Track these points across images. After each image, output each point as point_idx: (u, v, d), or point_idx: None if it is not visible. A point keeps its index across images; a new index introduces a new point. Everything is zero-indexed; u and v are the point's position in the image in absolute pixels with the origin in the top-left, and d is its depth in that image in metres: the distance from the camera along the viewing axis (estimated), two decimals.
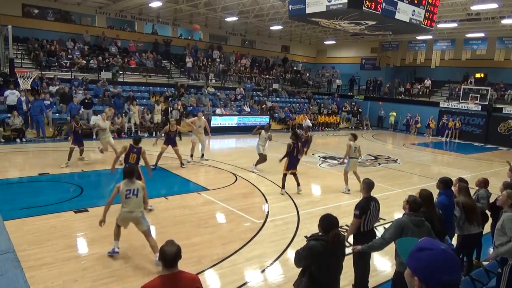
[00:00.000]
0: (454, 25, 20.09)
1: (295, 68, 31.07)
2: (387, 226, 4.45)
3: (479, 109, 22.82)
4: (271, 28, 25.97)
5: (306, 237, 5.76)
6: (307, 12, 9.89)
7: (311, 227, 6.51)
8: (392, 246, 3.82)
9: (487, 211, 5.80)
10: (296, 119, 23.20)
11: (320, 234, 3.51)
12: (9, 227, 6.17)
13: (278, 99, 25.70)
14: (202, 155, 12.56)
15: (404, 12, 9.84)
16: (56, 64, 18.92)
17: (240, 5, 20.61)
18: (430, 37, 24.80)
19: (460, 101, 23.68)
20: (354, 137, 9.92)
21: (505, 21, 18.78)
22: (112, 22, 23.90)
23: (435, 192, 5.05)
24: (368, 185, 4.76)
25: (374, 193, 4.85)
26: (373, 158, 14.95)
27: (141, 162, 7.96)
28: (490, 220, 5.74)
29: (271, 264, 5.64)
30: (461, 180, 5.38)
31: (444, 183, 5.09)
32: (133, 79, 20.88)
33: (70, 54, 19.82)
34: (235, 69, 26.12)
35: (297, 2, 10.09)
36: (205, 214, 7.64)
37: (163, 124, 15.60)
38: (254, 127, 18.67)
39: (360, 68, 31.00)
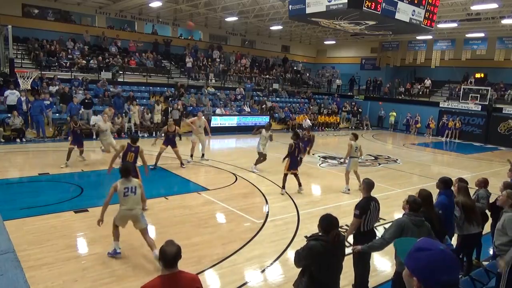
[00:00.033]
0: (454, 25, 20.10)
1: (295, 68, 31.07)
2: (387, 226, 4.45)
3: (479, 109, 22.83)
4: (271, 28, 25.97)
5: (306, 237, 5.76)
6: (307, 12, 9.89)
7: (311, 227, 6.51)
8: (392, 246, 3.81)
9: (487, 211, 5.81)
10: (296, 119, 23.20)
11: (320, 234, 3.51)
12: (9, 227, 6.18)
13: (278, 99, 25.71)
14: (203, 155, 12.56)
15: (404, 12, 9.84)
16: (56, 64, 18.92)
17: (240, 5, 20.60)
18: (430, 37, 24.80)
19: (460, 101, 23.69)
20: (355, 137, 9.95)
21: (505, 21, 18.78)
22: (112, 22, 23.90)
23: (435, 192, 5.05)
24: (368, 185, 4.77)
25: (374, 193, 4.85)
26: (373, 158, 14.95)
27: (139, 162, 7.97)
28: (490, 220, 5.74)
29: (271, 264, 5.64)
30: (460, 180, 5.38)
31: (444, 183, 5.09)
32: (133, 79, 20.88)
33: (70, 54, 19.83)
34: (235, 69, 26.12)
35: (297, 2, 10.09)
36: (205, 214, 7.64)
37: (163, 124, 15.59)
38: (254, 127, 18.72)
39: (360, 68, 31.00)
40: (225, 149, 16.83)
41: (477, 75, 25.28)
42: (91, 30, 22.00)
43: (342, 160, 13.78)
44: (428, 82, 26.93)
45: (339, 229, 3.62)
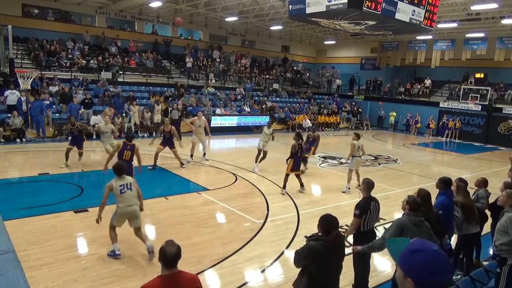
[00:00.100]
0: (454, 25, 20.10)
1: (295, 68, 31.07)
2: (387, 226, 4.45)
3: (479, 109, 22.83)
4: (271, 28, 25.97)
5: (306, 237, 5.76)
6: (307, 12, 9.88)
7: (311, 227, 6.51)
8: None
9: (487, 211, 5.81)
10: (296, 119, 23.21)
11: (320, 234, 3.51)
12: (9, 227, 6.18)
13: (278, 99, 25.71)
14: (204, 154, 12.53)
15: (404, 12, 9.83)
16: (56, 64, 18.92)
17: (240, 5, 20.61)
18: (430, 37, 24.80)
19: (460, 101, 23.69)
20: (357, 136, 10.01)
21: (505, 21, 18.78)
22: (112, 22, 23.91)
23: (435, 192, 5.05)
24: (368, 185, 4.76)
25: (374, 193, 4.85)
26: (373, 158, 14.95)
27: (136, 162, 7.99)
28: (490, 220, 5.75)
29: (271, 264, 5.64)
30: (460, 180, 5.38)
31: (444, 183, 5.09)
32: (133, 79, 20.89)
33: (70, 54, 19.83)
34: (235, 69, 26.12)
35: (297, 2, 10.08)
36: (205, 214, 7.64)
37: (163, 124, 15.59)
38: (254, 127, 18.72)
39: (360, 68, 31.00)
40: (225, 149, 16.84)
41: (477, 75, 25.28)
42: (91, 30, 22.00)
43: (342, 160, 13.90)
44: (428, 82, 26.93)
45: (339, 229, 3.62)
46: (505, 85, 23.85)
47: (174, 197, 8.60)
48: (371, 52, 30.46)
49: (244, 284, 5.08)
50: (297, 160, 9.29)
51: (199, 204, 8.23)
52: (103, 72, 19.42)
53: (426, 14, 10.44)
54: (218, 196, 8.71)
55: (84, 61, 19.70)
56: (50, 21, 21.08)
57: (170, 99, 20.03)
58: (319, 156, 14.24)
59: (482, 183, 5.88)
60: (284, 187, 9.24)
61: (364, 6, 8.79)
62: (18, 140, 14.05)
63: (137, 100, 18.39)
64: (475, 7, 16.52)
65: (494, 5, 15.83)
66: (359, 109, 27.16)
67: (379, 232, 6.05)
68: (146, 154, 11.51)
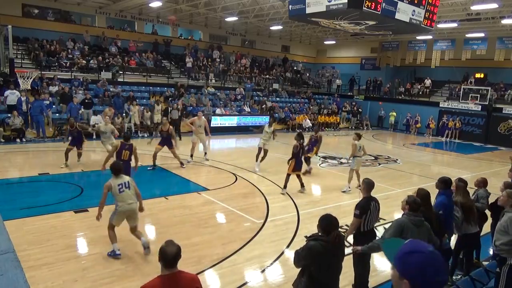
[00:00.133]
0: (454, 25, 20.10)
1: (295, 68, 31.07)
2: (387, 226, 4.45)
3: (479, 109, 22.83)
4: (271, 28, 25.97)
5: (306, 237, 5.76)
6: (307, 12, 9.88)
7: (311, 227, 6.51)
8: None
9: (487, 211, 5.81)
10: (296, 119, 23.21)
11: (319, 234, 3.51)
12: (9, 227, 6.16)
13: (278, 99, 25.71)
14: (205, 153, 12.51)
15: (404, 12, 9.83)
16: (56, 64, 18.92)
17: (240, 5, 20.61)
18: (430, 37, 24.80)
19: (460, 101, 23.69)
20: (358, 136, 10.03)
21: (505, 21, 18.78)
22: (112, 22, 23.91)
23: (434, 192, 5.05)
24: (368, 185, 4.76)
25: (374, 193, 4.85)
26: (373, 158, 14.95)
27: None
28: (490, 220, 5.75)
29: (271, 264, 5.64)
30: (460, 180, 5.39)
31: (444, 183, 5.09)
32: (133, 79, 20.89)
33: (70, 54, 19.83)
34: (235, 69, 26.13)
35: (297, 2, 10.08)
36: (205, 214, 7.64)
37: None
38: (254, 127, 18.70)
39: (360, 68, 31.00)
40: (225, 149, 16.84)
41: (477, 75, 25.29)
42: (91, 30, 22.00)
43: (342, 160, 13.91)
44: (428, 82, 26.93)
45: (339, 229, 3.62)
46: (505, 85, 23.85)
47: (174, 197, 8.60)
48: (371, 52, 30.46)
49: (244, 284, 5.08)
50: (299, 161, 9.29)
51: (199, 204, 8.23)
52: (103, 72, 19.42)
53: (426, 14, 10.44)
54: (218, 196, 8.71)
55: (84, 61, 19.70)
56: (50, 21, 21.09)
57: (170, 99, 20.03)
58: (319, 156, 14.24)
59: (482, 183, 5.88)
60: (285, 187, 9.25)
61: (364, 6, 8.79)
62: (18, 140, 14.05)
63: (137, 100, 18.39)
64: (475, 7, 16.52)
65: (494, 5, 15.83)
66: (359, 109, 27.16)
67: (379, 232, 6.05)
68: (146, 154, 11.53)
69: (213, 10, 21.86)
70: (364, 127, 25.85)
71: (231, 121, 20.45)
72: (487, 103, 22.47)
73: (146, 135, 16.85)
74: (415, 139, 22.47)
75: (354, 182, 9.85)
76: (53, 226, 6.52)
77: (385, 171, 12.84)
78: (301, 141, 9.36)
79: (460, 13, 18.60)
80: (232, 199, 8.58)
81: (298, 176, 9.38)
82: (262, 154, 11.54)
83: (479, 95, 22.90)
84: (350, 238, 4.87)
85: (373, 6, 8.92)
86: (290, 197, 8.98)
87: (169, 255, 2.88)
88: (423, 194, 4.48)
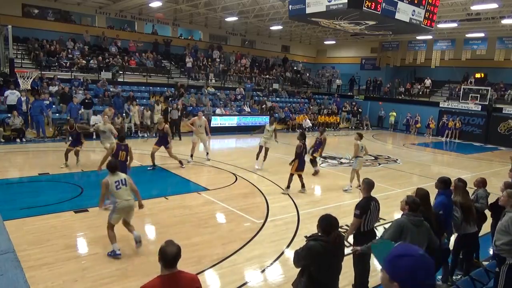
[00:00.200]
0: (454, 25, 20.10)
1: (295, 68, 31.07)
2: (387, 226, 4.45)
3: (479, 109, 22.83)
4: (271, 28, 25.97)
5: (306, 237, 5.76)
6: (307, 12, 9.88)
7: (311, 227, 6.51)
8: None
9: (487, 211, 5.81)
10: (296, 119, 23.21)
11: (319, 234, 3.51)
12: (9, 227, 6.17)
13: (278, 99, 25.71)
14: (207, 153, 12.49)
15: (404, 12, 9.83)
16: (56, 64, 18.92)
17: (240, 5, 20.61)
18: (430, 37, 24.80)
19: (460, 101, 23.69)
20: (360, 136, 10.06)
21: (505, 21, 18.78)
22: (112, 22, 23.90)
23: (433, 192, 5.06)
24: (368, 185, 4.76)
25: (374, 193, 4.85)
26: (373, 158, 14.95)
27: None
28: (490, 220, 5.75)
29: (271, 264, 5.65)
30: (459, 181, 5.39)
31: (444, 183, 5.09)
32: (133, 79, 20.89)
33: (70, 54, 19.83)
34: (235, 69, 26.13)
35: (297, 2, 10.08)
36: (205, 214, 7.64)
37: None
38: (254, 127, 18.68)
39: (360, 68, 31.00)
40: (225, 149, 16.83)
41: (477, 75, 25.28)
42: (91, 30, 22.00)
43: (342, 160, 13.91)
44: (428, 82, 26.93)
45: (339, 229, 3.62)
46: (505, 85, 23.85)
47: (174, 197, 8.60)
48: (371, 52, 30.46)
49: (244, 284, 5.08)
50: (302, 161, 9.29)
51: (199, 204, 8.23)
52: (103, 72, 19.42)
53: (426, 14, 10.44)
54: (218, 196, 8.71)
55: (84, 61, 19.70)
56: (50, 21, 21.08)
57: (170, 99, 20.03)
58: (319, 156, 14.24)
59: (481, 183, 5.89)
60: (288, 187, 9.25)
61: (364, 6, 8.78)
62: (18, 140, 14.05)
63: (137, 100, 18.39)
64: (475, 7, 16.52)
65: (494, 5, 15.83)
66: (359, 109, 27.16)
67: (379, 232, 6.04)
68: (145, 154, 11.53)
69: (213, 10, 21.87)
70: (364, 127, 25.85)
71: (231, 121, 20.45)
72: (487, 103, 22.47)
73: (146, 135, 16.85)
74: (415, 139, 22.48)
75: (354, 182, 9.86)
76: (53, 226, 6.52)
77: (385, 171, 12.84)
78: (304, 140, 9.38)
79: (460, 13, 18.60)
80: (232, 199, 8.58)
81: (300, 176, 9.38)
82: (263, 152, 11.54)
83: (479, 95, 22.90)
84: (350, 238, 4.87)
85: (373, 6, 8.92)
86: (290, 197, 8.98)
87: (169, 255, 2.87)
88: (422, 194, 4.48)
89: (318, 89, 30.63)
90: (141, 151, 12.90)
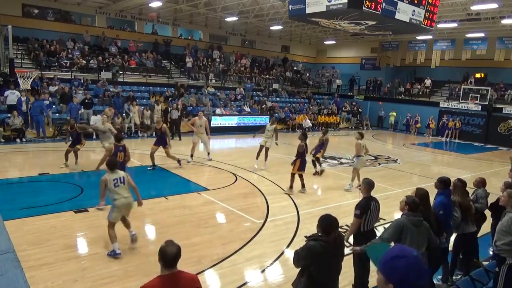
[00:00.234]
0: (454, 25, 20.10)
1: (295, 68, 31.07)
2: (387, 226, 4.45)
3: (479, 109, 22.83)
4: (271, 28, 25.97)
5: (306, 237, 5.76)
6: (307, 12, 9.88)
7: (311, 227, 6.51)
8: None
9: (487, 211, 5.81)
10: (296, 119, 23.22)
11: (319, 234, 3.51)
12: (9, 227, 6.16)
13: (278, 99, 25.71)
14: (208, 153, 12.48)
15: (404, 12, 9.83)
16: (56, 64, 18.92)
17: (240, 5, 20.61)
18: (430, 37, 24.80)
19: (460, 101, 23.69)
20: (361, 136, 10.07)
21: (505, 21, 18.79)
22: (112, 22, 23.91)
23: (433, 192, 5.05)
24: (368, 185, 4.76)
25: (374, 193, 4.85)
26: (373, 158, 14.95)
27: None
28: (490, 220, 5.75)
29: (271, 264, 5.65)
30: (459, 181, 5.40)
31: (443, 183, 5.09)
32: (133, 79, 20.89)
33: (70, 54, 19.83)
34: (235, 69, 26.13)
35: (297, 2, 10.08)
36: (205, 214, 7.64)
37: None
38: (254, 127, 18.68)
39: (360, 68, 31.01)
40: (225, 149, 16.83)
41: (477, 75, 25.28)
42: (91, 30, 22.00)
43: (342, 160, 13.91)
44: (428, 82, 26.93)
45: (339, 229, 3.62)
46: (505, 85, 23.85)
47: (174, 197, 8.60)
48: (371, 52, 30.46)
49: (244, 284, 5.08)
50: (304, 160, 9.30)
51: (199, 204, 8.23)
52: (103, 72, 19.42)
53: (426, 14, 10.44)
54: (218, 196, 8.71)
55: (84, 61, 19.70)
56: (50, 21, 21.09)
57: (170, 99, 20.03)
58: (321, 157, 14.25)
59: (481, 183, 5.88)
60: (291, 187, 9.25)
61: (364, 6, 8.78)
62: (18, 140, 14.05)
63: (137, 100, 18.39)
64: (475, 7, 16.52)
65: (494, 5, 15.83)
66: (359, 109, 27.16)
67: (379, 232, 6.04)
68: (145, 154, 11.53)
69: (213, 10, 21.87)
70: (364, 127, 25.84)
71: (231, 121, 20.45)
72: (487, 103, 22.47)
73: (146, 135, 16.85)
74: (415, 139, 22.48)
75: (355, 182, 9.86)
76: (53, 226, 6.52)
77: (385, 171, 12.84)
78: (305, 141, 9.39)
79: (460, 13, 18.61)
80: (232, 199, 8.58)
81: (301, 176, 9.38)
82: (263, 153, 11.54)
83: (479, 95, 22.90)
84: (350, 238, 4.87)
85: (373, 6, 8.92)
86: (290, 197, 8.98)
87: (169, 255, 2.87)
88: (421, 194, 4.49)
89: (318, 89, 30.63)
90: (141, 151, 12.92)
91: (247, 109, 22.66)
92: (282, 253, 6.00)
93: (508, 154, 16.42)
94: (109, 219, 5.58)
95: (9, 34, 13.49)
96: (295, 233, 6.83)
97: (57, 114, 16.25)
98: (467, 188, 5.46)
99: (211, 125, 16.77)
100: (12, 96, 15.01)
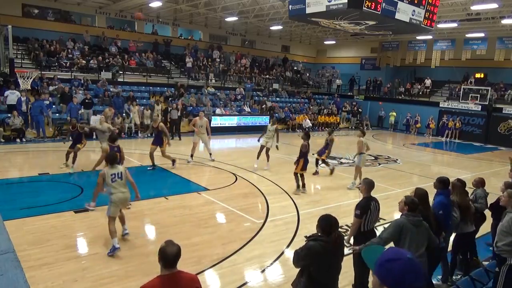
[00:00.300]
0: (454, 25, 20.10)
1: (295, 68, 31.07)
2: (387, 226, 4.45)
3: (479, 109, 22.83)
4: (271, 28, 25.97)
5: (306, 237, 5.76)
6: (307, 12, 9.88)
7: (311, 227, 6.50)
8: (391, 246, 3.82)
9: (487, 211, 5.81)
10: (296, 119, 23.22)
11: (319, 234, 3.51)
12: (9, 227, 6.17)
13: (278, 99, 25.71)
14: (210, 154, 12.46)
15: (404, 12, 9.83)
16: (56, 64, 18.92)
17: (240, 5, 20.61)
18: (430, 37, 24.80)
19: (460, 101, 23.69)
20: (363, 133, 10.12)
21: (505, 21, 18.78)
22: (112, 22, 23.91)
23: (432, 192, 5.05)
24: (368, 184, 4.76)
25: (374, 193, 4.84)
26: (373, 158, 14.94)
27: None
28: (490, 220, 5.75)
29: (271, 264, 5.65)
30: (458, 181, 5.40)
31: (442, 183, 5.10)
32: (133, 79, 20.89)
33: (70, 54, 19.83)
34: (235, 69, 26.13)
35: (297, 2, 10.08)
36: (205, 214, 7.64)
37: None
38: (254, 127, 18.66)
39: (360, 68, 31.00)
40: (225, 149, 16.82)
41: (477, 75, 25.29)
42: (91, 30, 22.00)
43: (342, 160, 13.91)
44: (428, 82, 26.93)
45: (339, 229, 3.62)
46: (505, 85, 23.85)
47: (174, 197, 8.60)
48: (371, 52, 30.46)
49: (244, 284, 5.08)
50: (307, 160, 9.30)
51: (199, 204, 8.23)
52: (103, 72, 19.42)
53: (426, 14, 10.44)
54: (218, 196, 8.71)
55: (84, 61, 19.70)
56: (50, 21, 21.08)
57: (170, 99, 20.03)
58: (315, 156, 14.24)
59: (480, 183, 5.89)
60: (298, 186, 9.27)
61: (364, 6, 8.78)
62: (18, 140, 14.05)
63: (137, 100, 18.40)
64: (475, 7, 16.52)
65: (494, 5, 15.83)
66: (359, 109, 27.16)
67: (379, 232, 6.04)
68: (145, 154, 11.52)
69: (213, 10, 21.86)
70: (364, 127, 25.82)
71: (231, 121, 20.45)
72: (487, 103, 22.47)
73: (146, 136, 16.84)
74: (415, 139, 22.47)
75: (357, 180, 9.86)
76: (53, 226, 6.52)
77: (385, 171, 12.84)
78: (308, 140, 9.40)
79: (460, 13, 18.60)
80: (232, 199, 8.58)
81: (302, 176, 9.38)
82: (264, 152, 11.54)
83: (479, 95, 22.90)
84: (350, 239, 4.86)
85: (373, 6, 8.92)
86: (290, 197, 8.98)
87: (169, 255, 2.87)
88: (420, 194, 4.49)
89: (318, 89, 30.63)
90: (141, 151, 12.91)
91: (247, 109, 22.66)
92: (282, 253, 6.00)
93: (508, 154, 16.41)
94: (108, 214, 5.67)
95: (9, 34, 13.49)
96: (295, 233, 6.83)
97: (57, 114, 16.25)
98: (467, 188, 5.47)
99: (211, 125, 16.76)
100: (12, 96, 15.01)
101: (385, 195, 9.31)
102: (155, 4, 20.03)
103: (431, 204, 4.85)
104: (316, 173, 11.33)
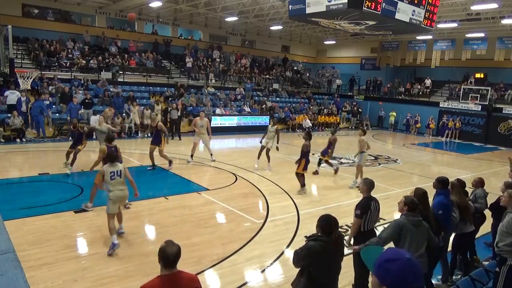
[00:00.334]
0: (454, 25, 20.10)
1: (295, 68, 31.07)
2: (387, 226, 4.45)
3: (479, 109, 22.83)
4: (271, 28, 25.97)
5: (306, 237, 5.76)
6: (307, 12, 9.88)
7: (311, 227, 6.50)
8: (391, 246, 3.82)
9: (487, 211, 5.81)
10: (296, 119, 23.21)
11: (319, 234, 3.51)
12: (9, 227, 6.17)
13: (278, 99, 25.71)
14: (211, 154, 12.45)
15: (404, 12, 9.83)
16: (56, 64, 18.92)
17: (240, 5, 20.61)
18: (430, 37, 24.80)
19: (460, 101, 23.69)
20: (364, 132, 10.15)
21: (505, 21, 18.79)
22: (112, 22, 23.90)
23: (432, 192, 5.05)
24: (368, 184, 4.76)
25: (374, 193, 4.84)
26: (373, 158, 14.94)
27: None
28: (490, 220, 5.75)
29: (271, 264, 5.65)
30: (457, 181, 5.40)
31: (442, 183, 5.10)
32: (133, 79, 20.89)
33: (70, 54, 19.83)
34: (235, 69, 26.13)
35: (297, 2, 10.08)
36: (205, 214, 7.64)
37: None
38: (254, 127, 18.65)
39: (360, 68, 31.00)
40: (225, 149, 16.81)
41: (477, 75, 25.29)
42: (91, 30, 22.00)
43: (342, 160, 13.91)
44: (428, 82, 26.93)
45: (339, 229, 3.62)
46: (505, 85, 23.85)
47: (174, 197, 8.60)
48: (371, 52, 30.46)
49: (244, 284, 5.08)
50: (308, 160, 9.30)
51: (199, 204, 8.23)
52: (103, 72, 19.42)
53: (426, 14, 10.44)
54: (218, 196, 8.71)
55: (84, 61, 19.70)
56: (50, 21, 21.08)
57: (170, 99, 20.03)
58: (319, 156, 14.23)
59: (479, 183, 5.89)
60: (302, 185, 9.24)
61: (364, 6, 8.79)
62: (18, 140, 14.05)
63: (137, 100, 18.40)
64: (475, 7, 16.52)
65: (494, 5, 15.83)
66: (359, 109, 27.16)
67: (379, 232, 6.05)
68: (145, 154, 11.52)
69: (213, 10, 21.87)
70: (364, 127, 25.82)
71: (231, 121, 20.45)
72: (487, 103, 22.47)
73: (147, 136, 16.84)
74: (415, 139, 22.47)
75: (358, 179, 9.85)
76: (53, 226, 6.52)
77: (385, 171, 12.84)
78: (310, 140, 9.40)
79: (460, 13, 18.60)
80: (232, 199, 8.58)
81: (303, 176, 9.38)
82: (264, 152, 11.53)
83: (479, 95, 22.90)
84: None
85: (373, 6, 8.92)
86: (290, 197, 8.98)
87: (169, 255, 2.87)
88: (420, 194, 4.49)
89: (318, 89, 30.63)
90: (141, 151, 12.91)
91: (247, 109, 22.66)
92: (282, 253, 6.00)
93: (508, 154, 16.42)
94: (107, 212, 5.72)
95: (9, 34, 13.48)
96: (295, 233, 6.83)
97: (57, 114, 16.25)
98: (467, 188, 5.47)
99: (211, 125, 16.75)
100: (12, 96, 15.01)
101: (385, 195, 9.31)
102: (155, 4, 20.03)
103: (430, 204, 4.85)
104: (316, 172, 11.33)
